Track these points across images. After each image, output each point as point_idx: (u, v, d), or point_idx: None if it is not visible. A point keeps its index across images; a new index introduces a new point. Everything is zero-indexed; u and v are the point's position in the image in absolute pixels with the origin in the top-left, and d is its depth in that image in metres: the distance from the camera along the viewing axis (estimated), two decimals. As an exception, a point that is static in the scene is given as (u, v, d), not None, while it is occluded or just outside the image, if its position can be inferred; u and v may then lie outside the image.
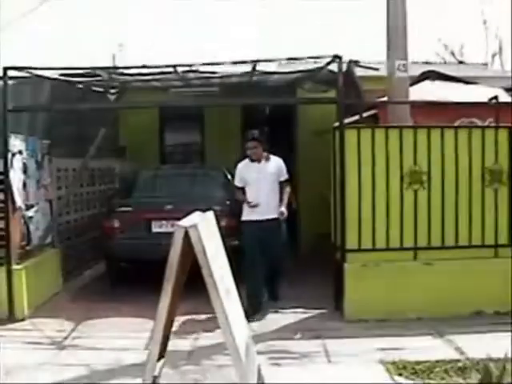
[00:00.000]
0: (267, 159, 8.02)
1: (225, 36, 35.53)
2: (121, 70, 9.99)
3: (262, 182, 7.87)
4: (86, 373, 5.92)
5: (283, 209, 7.81)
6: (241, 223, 8.03)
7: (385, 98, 8.64)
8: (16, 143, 8.05)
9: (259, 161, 7.96)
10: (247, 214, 7.94)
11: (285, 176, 8.09)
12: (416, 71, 10.66)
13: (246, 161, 8.07)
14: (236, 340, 4.61)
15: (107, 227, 9.35)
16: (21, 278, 7.88)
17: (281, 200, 7.92)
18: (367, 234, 7.67)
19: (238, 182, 8.11)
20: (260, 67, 8.97)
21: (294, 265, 9.09)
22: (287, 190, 8.04)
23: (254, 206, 7.74)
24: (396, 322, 7.24)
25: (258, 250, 7.75)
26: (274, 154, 8.15)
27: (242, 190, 8.03)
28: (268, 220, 7.80)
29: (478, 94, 9.58)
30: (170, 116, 13.13)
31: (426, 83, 10.44)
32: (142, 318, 7.49)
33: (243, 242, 7.92)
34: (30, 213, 8.44)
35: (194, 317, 7.50)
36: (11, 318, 7.73)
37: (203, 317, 7.30)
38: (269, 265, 7.90)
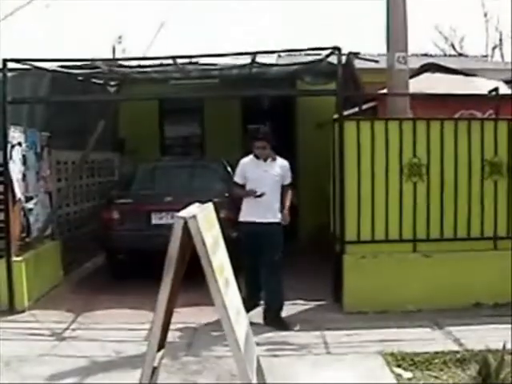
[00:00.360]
0: (273, 159, 7.54)
1: (225, 33, 35.57)
2: (120, 62, 9.99)
3: (266, 181, 7.40)
4: (86, 364, 5.94)
5: (286, 212, 7.41)
6: (238, 224, 7.58)
7: (384, 90, 8.64)
8: (15, 135, 8.05)
9: (265, 159, 7.50)
10: (246, 215, 7.46)
11: (289, 180, 7.61)
12: (416, 63, 10.67)
13: (251, 157, 7.58)
14: (235, 331, 4.62)
15: (107, 219, 9.35)
16: (21, 270, 7.89)
17: (283, 204, 7.47)
18: (366, 225, 7.69)
19: (238, 179, 7.58)
20: (260, 59, 8.96)
21: (292, 257, 9.06)
22: (289, 193, 7.60)
23: (260, 196, 7.29)
24: (395, 314, 7.27)
25: (257, 253, 7.34)
26: (280, 155, 7.67)
27: (242, 187, 7.54)
28: (268, 223, 7.31)
29: (478, 86, 9.59)
30: (169, 108, 13.14)
31: (426, 75, 10.44)
32: (141, 310, 7.52)
33: (240, 245, 7.37)
34: (30, 205, 8.44)
35: (194, 308, 7.50)
36: (11, 309, 7.75)
37: (202, 308, 7.30)
38: (266, 272, 7.37)
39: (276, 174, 7.48)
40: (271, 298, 7.37)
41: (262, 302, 7.50)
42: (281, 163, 7.59)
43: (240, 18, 39.91)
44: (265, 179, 7.39)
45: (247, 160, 7.64)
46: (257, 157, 7.51)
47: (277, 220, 7.37)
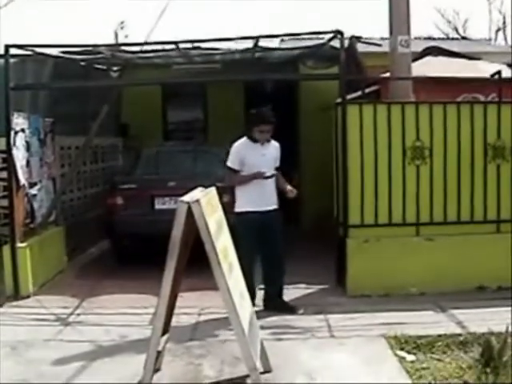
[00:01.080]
0: (268, 141, 7.10)
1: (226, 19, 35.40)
2: (123, 47, 9.97)
3: (265, 165, 6.96)
4: (91, 348, 5.97)
5: (290, 186, 7.09)
6: (236, 215, 6.98)
7: (387, 74, 8.61)
8: (19, 121, 8.04)
9: (262, 143, 7.07)
10: (247, 204, 6.95)
11: (279, 162, 7.23)
12: (418, 47, 10.62)
13: (245, 141, 7.11)
14: (239, 315, 4.65)
15: (110, 204, 9.36)
16: (25, 256, 7.91)
17: (280, 185, 7.12)
18: (369, 209, 7.69)
19: (235, 165, 7.02)
20: (262, 43, 8.94)
21: (295, 242, 9.07)
22: (281, 176, 7.22)
23: (271, 177, 6.94)
24: (398, 297, 7.28)
25: (258, 246, 6.95)
26: (283, 140, 7.39)
27: (236, 174, 7.06)
28: (272, 211, 6.97)
29: (481, 69, 9.56)
30: (172, 93, 13.13)
31: (429, 59, 10.40)
32: (145, 294, 7.54)
33: (240, 238, 6.40)
34: (34, 191, 8.46)
35: (198, 292, 7.53)
36: (16, 295, 7.77)
37: (206, 292, 7.31)
38: (269, 262, 7.10)
39: (273, 157, 7.14)
40: (271, 289, 7.22)
41: (261, 286, 7.33)
42: (274, 145, 7.23)
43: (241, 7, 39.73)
44: (264, 163, 6.99)
45: (242, 144, 7.12)
46: (254, 140, 7.05)
47: (277, 206, 7.11)
